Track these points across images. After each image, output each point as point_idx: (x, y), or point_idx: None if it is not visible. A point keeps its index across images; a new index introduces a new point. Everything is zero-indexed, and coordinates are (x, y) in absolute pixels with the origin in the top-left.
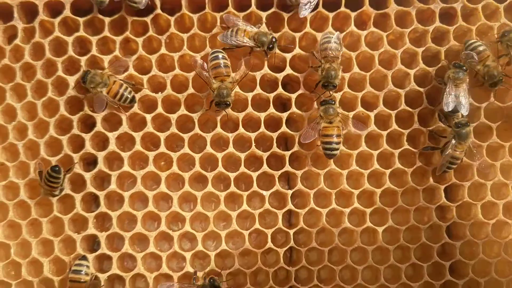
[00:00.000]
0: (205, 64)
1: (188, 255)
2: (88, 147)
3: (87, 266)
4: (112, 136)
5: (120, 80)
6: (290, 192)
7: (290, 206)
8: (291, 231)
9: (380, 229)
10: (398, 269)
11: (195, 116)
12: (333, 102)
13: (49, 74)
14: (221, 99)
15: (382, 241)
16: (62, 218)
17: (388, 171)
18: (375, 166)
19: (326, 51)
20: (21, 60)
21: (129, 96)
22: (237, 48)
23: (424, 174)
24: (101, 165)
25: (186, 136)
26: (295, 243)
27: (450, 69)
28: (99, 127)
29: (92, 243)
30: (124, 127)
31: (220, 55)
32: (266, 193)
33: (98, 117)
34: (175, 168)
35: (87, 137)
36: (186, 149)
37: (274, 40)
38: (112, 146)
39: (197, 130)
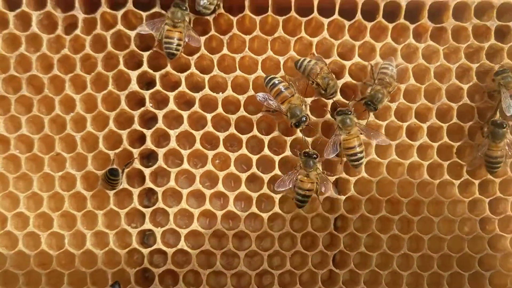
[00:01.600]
0: (267, 96)
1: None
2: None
3: None
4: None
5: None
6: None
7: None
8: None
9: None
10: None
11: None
12: (350, 113)
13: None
14: (297, 118)
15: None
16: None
17: (436, 182)
18: (425, 176)
19: (383, 75)
20: (82, 51)
21: (173, 50)
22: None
23: (468, 186)
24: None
25: None
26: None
27: (497, 77)
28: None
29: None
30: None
31: (276, 81)
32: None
33: (160, 114)
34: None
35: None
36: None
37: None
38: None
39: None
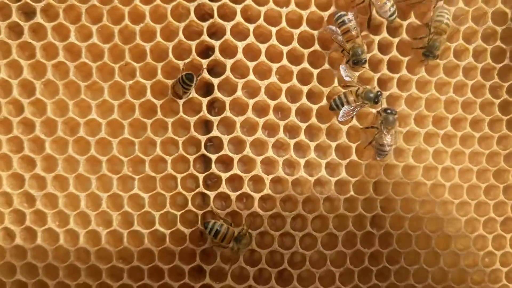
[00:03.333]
0: (337, 30)
1: None
2: None
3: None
4: None
5: None
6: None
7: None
8: None
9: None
10: None
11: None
12: None
13: None
14: (358, 57)
15: None
16: None
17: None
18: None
19: (438, 23)
20: None
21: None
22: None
23: None
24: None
25: None
26: None
27: None
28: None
29: None
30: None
31: (346, 19)
32: None
33: (228, 26)
34: None
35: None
36: None
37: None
38: None
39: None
